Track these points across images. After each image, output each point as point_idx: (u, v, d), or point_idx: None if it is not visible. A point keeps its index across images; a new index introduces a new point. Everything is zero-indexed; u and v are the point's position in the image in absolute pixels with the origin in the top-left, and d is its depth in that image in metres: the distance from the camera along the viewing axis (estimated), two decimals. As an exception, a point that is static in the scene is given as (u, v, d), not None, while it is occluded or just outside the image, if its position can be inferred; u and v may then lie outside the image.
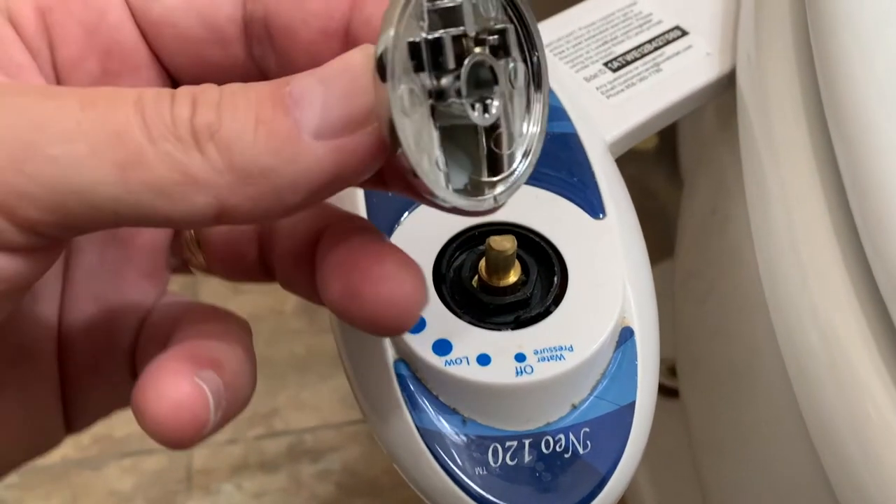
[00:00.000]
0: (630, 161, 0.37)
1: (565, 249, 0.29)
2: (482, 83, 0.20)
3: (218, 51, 0.23)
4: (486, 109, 0.20)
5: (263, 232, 0.25)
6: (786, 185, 0.34)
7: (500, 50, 0.21)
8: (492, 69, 0.20)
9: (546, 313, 0.28)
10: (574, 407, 0.28)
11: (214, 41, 0.23)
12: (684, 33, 0.40)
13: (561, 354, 0.27)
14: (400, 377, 0.27)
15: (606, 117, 0.36)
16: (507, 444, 0.27)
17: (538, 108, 0.22)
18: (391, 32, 0.18)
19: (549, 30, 0.39)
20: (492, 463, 0.27)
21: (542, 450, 0.27)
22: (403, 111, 0.19)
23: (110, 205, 0.18)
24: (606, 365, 0.28)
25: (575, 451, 0.27)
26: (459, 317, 0.28)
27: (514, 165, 0.21)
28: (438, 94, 0.20)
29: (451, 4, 0.20)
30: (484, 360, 0.27)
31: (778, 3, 0.37)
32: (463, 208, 0.20)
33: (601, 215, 0.31)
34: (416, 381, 0.27)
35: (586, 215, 0.31)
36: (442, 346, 0.27)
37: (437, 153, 0.20)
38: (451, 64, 0.20)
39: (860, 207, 0.31)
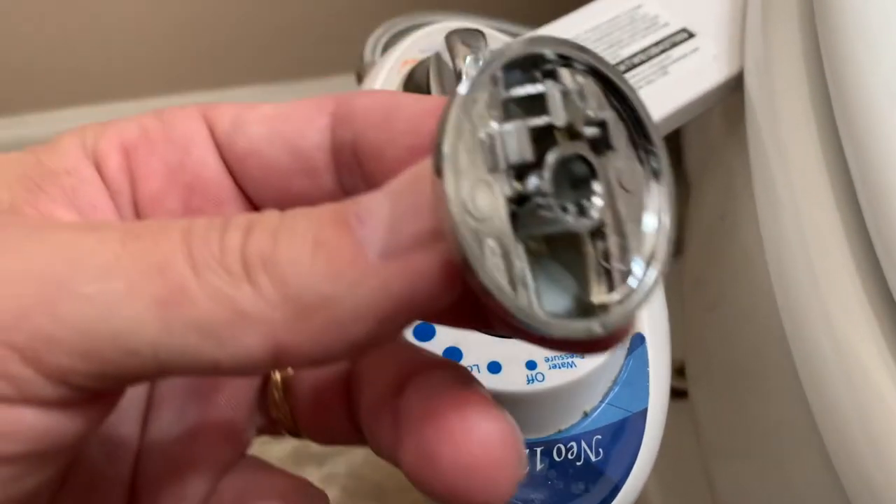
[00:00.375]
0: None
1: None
2: (579, 182, 0.17)
3: (305, 181, 0.21)
4: (582, 212, 0.17)
5: (352, 380, 0.22)
6: (796, 190, 0.34)
7: (602, 143, 0.17)
8: (589, 164, 0.17)
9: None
10: (586, 414, 0.27)
11: (301, 171, 0.21)
12: (691, 35, 0.39)
13: (572, 362, 0.27)
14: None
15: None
16: (519, 451, 0.27)
17: (661, 204, 0.18)
18: (449, 125, 0.16)
19: (555, 33, 0.39)
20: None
21: (554, 457, 0.27)
22: (469, 218, 0.16)
23: (150, 349, 0.16)
24: (618, 372, 0.28)
25: (587, 459, 0.27)
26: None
27: (633, 279, 0.17)
28: (520, 198, 0.16)
29: (533, 92, 0.17)
30: (495, 367, 0.27)
31: (786, 4, 0.37)
32: (558, 336, 0.16)
33: (610, 220, 0.30)
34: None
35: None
36: (452, 354, 0.27)
37: (521, 268, 0.16)
38: (530, 157, 0.16)
39: (871, 211, 0.30)
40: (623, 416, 0.27)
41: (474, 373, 0.26)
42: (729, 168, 0.42)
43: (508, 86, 0.17)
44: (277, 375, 0.24)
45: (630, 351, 0.28)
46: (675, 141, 0.68)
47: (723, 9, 0.40)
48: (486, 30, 0.36)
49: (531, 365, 0.27)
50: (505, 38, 0.36)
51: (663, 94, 0.37)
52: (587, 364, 0.27)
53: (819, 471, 0.34)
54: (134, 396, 0.23)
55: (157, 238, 0.17)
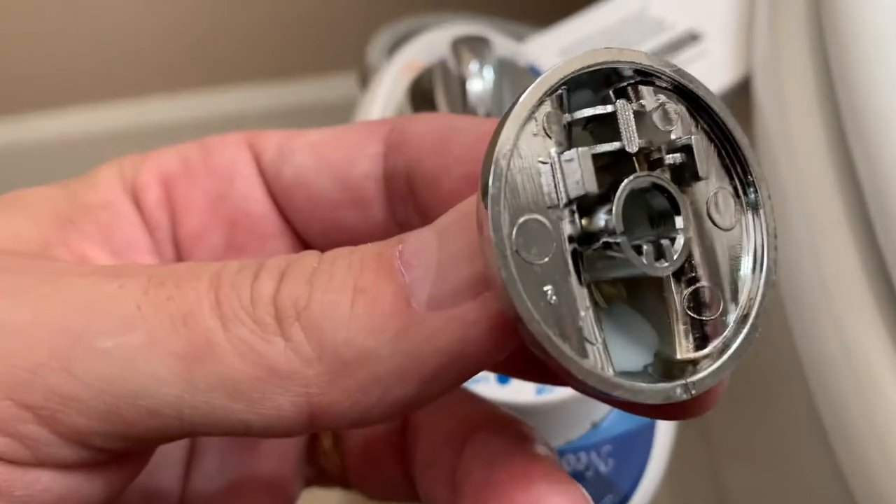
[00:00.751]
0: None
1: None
2: (658, 218, 0.15)
3: (355, 213, 0.19)
4: (661, 253, 0.14)
5: (407, 434, 0.20)
6: (804, 191, 0.34)
7: (687, 172, 0.15)
8: (670, 197, 0.15)
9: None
10: (595, 425, 0.27)
11: (351, 202, 0.19)
12: (698, 38, 0.39)
13: (581, 372, 0.27)
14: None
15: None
16: (528, 463, 0.27)
17: (759, 243, 0.15)
18: (497, 152, 0.13)
19: (562, 36, 0.39)
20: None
21: (563, 468, 0.27)
22: (518, 261, 0.13)
23: (173, 410, 0.15)
24: (627, 381, 0.28)
25: (596, 470, 0.27)
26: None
27: (726, 333, 0.15)
28: (586, 236, 0.14)
29: (602, 112, 0.14)
30: (503, 378, 0.27)
31: (793, 5, 0.37)
32: (628, 400, 0.14)
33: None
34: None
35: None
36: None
37: (587, 318, 0.14)
38: (594, 189, 0.14)
39: (879, 212, 0.30)
40: (632, 426, 0.27)
41: (483, 384, 0.26)
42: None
43: (574, 107, 0.15)
44: None
45: (639, 360, 0.28)
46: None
47: (730, 11, 0.40)
48: (491, 32, 0.35)
49: (540, 376, 0.27)
50: (509, 41, 0.36)
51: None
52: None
53: (827, 474, 0.34)
54: (175, 444, 0.21)
55: (182, 285, 0.15)
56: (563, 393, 0.26)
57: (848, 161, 0.32)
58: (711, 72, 0.38)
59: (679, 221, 0.14)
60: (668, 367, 0.14)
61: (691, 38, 0.39)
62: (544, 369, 0.16)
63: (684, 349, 0.15)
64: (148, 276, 0.15)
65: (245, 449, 0.22)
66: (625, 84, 0.15)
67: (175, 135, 0.89)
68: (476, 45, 0.31)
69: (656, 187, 0.14)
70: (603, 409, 0.27)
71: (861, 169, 0.31)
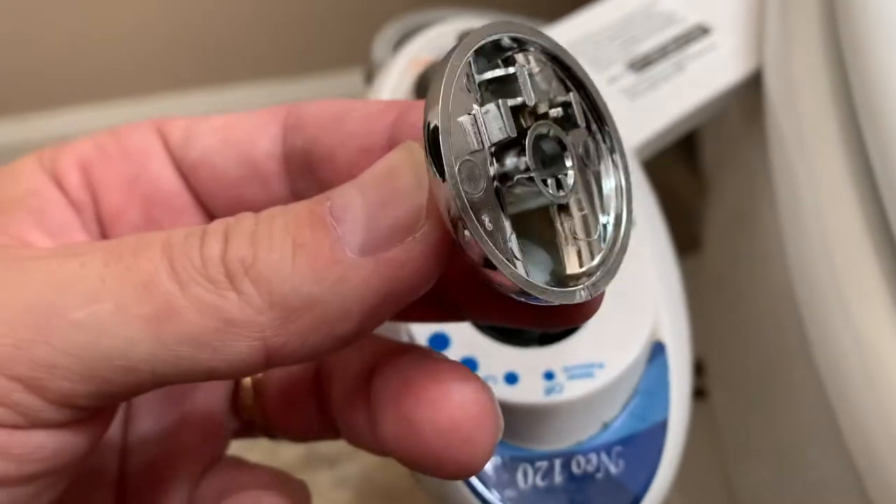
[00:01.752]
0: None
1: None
2: (550, 160, 0.18)
3: (258, 189, 0.21)
4: (560, 185, 0.18)
5: (321, 377, 0.23)
6: (817, 187, 0.33)
7: (566, 122, 0.18)
8: (560, 142, 0.18)
9: (575, 329, 0.27)
10: (605, 425, 0.27)
11: (253, 179, 0.21)
12: (709, 31, 0.39)
13: (591, 372, 0.26)
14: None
15: (630, 121, 0.35)
16: (537, 464, 0.26)
17: (620, 173, 0.19)
18: (438, 109, 0.16)
19: (570, 30, 0.38)
20: (521, 484, 0.26)
21: (572, 470, 0.26)
22: (465, 196, 0.16)
23: (146, 365, 0.17)
24: (638, 381, 0.27)
25: (607, 471, 0.26)
26: (484, 333, 0.27)
27: (601, 252, 0.18)
28: (503, 176, 0.17)
29: (503, 73, 0.17)
30: (512, 378, 0.26)
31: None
32: (553, 301, 0.17)
33: (628, 224, 0.30)
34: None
35: (613, 224, 0.30)
36: (468, 365, 0.26)
37: (512, 243, 0.17)
38: (512, 133, 0.17)
39: (894, 210, 0.30)
40: (643, 426, 0.27)
41: (491, 384, 0.26)
42: (748, 166, 0.41)
43: (479, 71, 0.17)
44: (247, 379, 0.24)
45: (650, 360, 0.27)
46: (689, 137, 0.67)
47: (740, 3, 0.40)
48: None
49: (549, 376, 0.26)
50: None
51: (680, 92, 0.36)
52: (607, 374, 0.26)
53: (840, 470, 0.33)
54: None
55: (138, 255, 0.17)
56: (572, 393, 0.26)
57: (861, 153, 0.32)
58: (722, 65, 0.38)
59: (569, 160, 0.18)
60: (562, 282, 0.17)
61: (702, 31, 0.38)
62: (453, 309, 0.20)
63: (573, 265, 0.18)
64: (104, 251, 0.17)
65: (176, 404, 0.24)
66: (511, 53, 0.18)
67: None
68: (482, 39, 0.31)
69: (549, 135, 0.18)
70: (614, 409, 0.27)
71: (875, 161, 0.31)
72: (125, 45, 0.80)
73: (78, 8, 0.77)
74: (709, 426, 0.48)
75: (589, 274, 0.18)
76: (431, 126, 0.16)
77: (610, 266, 0.18)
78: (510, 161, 0.17)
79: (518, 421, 0.26)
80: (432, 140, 0.16)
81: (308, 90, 0.82)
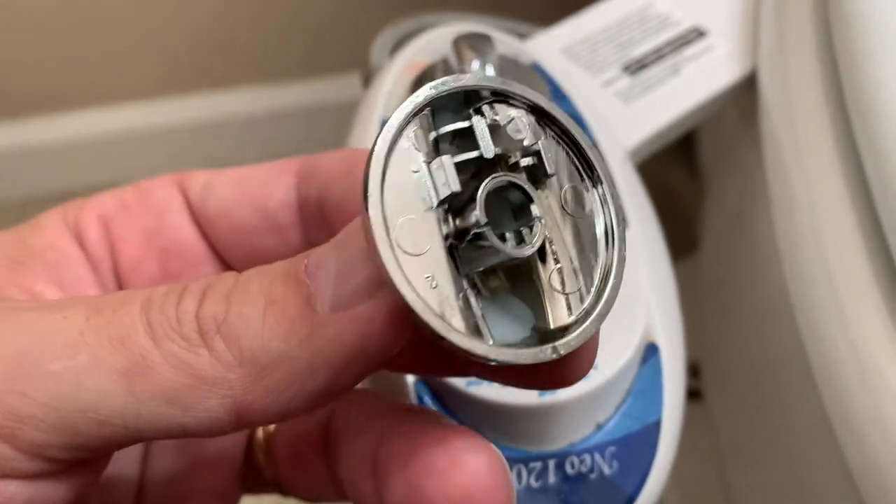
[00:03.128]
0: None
1: (586, 263, 0.28)
2: (518, 211, 0.17)
3: (273, 239, 0.22)
4: (522, 239, 0.17)
5: (329, 436, 0.22)
6: (811, 189, 0.33)
7: (540, 172, 0.17)
8: (525, 192, 0.17)
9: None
10: (599, 426, 0.27)
11: (269, 229, 0.22)
12: (704, 33, 0.39)
13: (584, 373, 0.26)
14: (421, 399, 0.26)
15: (625, 124, 0.35)
16: (531, 465, 0.26)
17: (608, 223, 0.18)
18: (372, 167, 0.16)
19: (566, 33, 0.39)
20: (515, 485, 0.26)
21: (566, 471, 0.26)
22: (403, 257, 0.16)
23: (119, 419, 0.17)
24: (631, 382, 0.27)
25: (600, 472, 0.26)
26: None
27: (588, 303, 0.17)
28: (461, 232, 0.16)
29: (460, 126, 0.17)
30: (506, 379, 0.26)
31: (799, 1, 0.37)
32: (513, 362, 0.16)
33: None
34: (437, 403, 0.26)
35: (607, 226, 0.30)
36: (462, 366, 0.26)
37: (469, 300, 0.16)
38: (455, 188, 0.16)
39: (887, 210, 0.30)
40: (637, 427, 0.27)
41: (486, 385, 0.26)
42: (744, 167, 0.41)
43: (440, 125, 0.17)
44: (260, 433, 0.24)
45: (644, 360, 0.28)
46: (688, 136, 0.67)
47: (735, 6, 0.40)
48: (493, 31, 0.35)
49: (543, 377, 0.26)
50: (511, 39, 0.36)
51: (676, 95, 0.36)
52: (601, 375, 0.26)
53: (835, 473, 0.33)
54: (132, 448, 0.23)
55: (118, 310, 0.17)
56: (566, 394, 0.26)
57: (855, 156, 0.32)
58: (717, 67, 0.38)
59: (535, 210, 0.17)
60: (544, 337, 0.17)
61: (697, 33, 0.39)
62: (442, 362, 0.20)
63: (555, 319, 0.17)
64: (87, 306, 0.17)
65: (192, 449, 0.24)
66: (482, 104, 0.17)
67: (181, 137, 0.89)
68: (477, 43, 0.31)
69: (513, 185, 0.17)
70: (608, 410, 0.27)
71: (868, 164, 0.31)
72: (122, 49, 0.80)
73: (80, 14, 0.77)
74: (705, 428, 0.48)
75: (565, 329, 0.17)
76: (363, 190, 0.16)
77: (589, 323, 0.17)
78: (466, 218, 0.16)
79: (512, 422, 0.26)
80: (364, 204, 0.16)
81: (306, 94, 0.83)
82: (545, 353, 0.16)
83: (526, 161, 0.17)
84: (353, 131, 0.35)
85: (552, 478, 0.26)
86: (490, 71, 0.30)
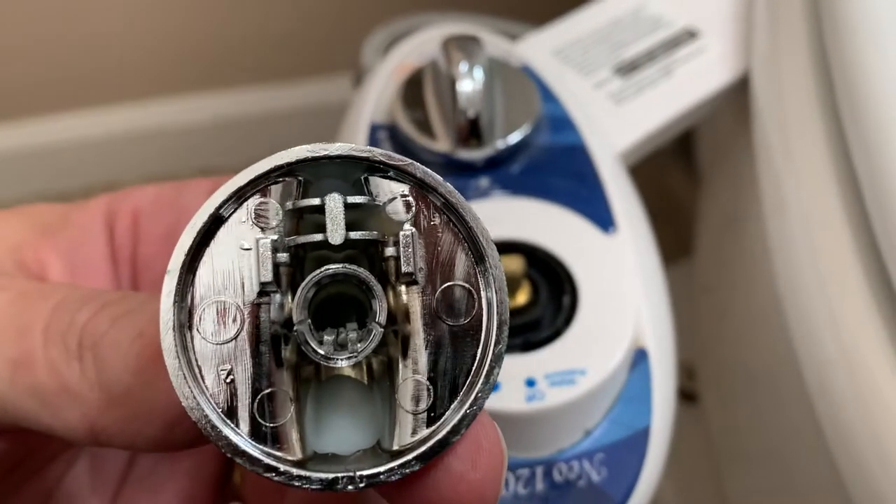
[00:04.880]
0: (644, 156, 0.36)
1: (575, 267, 0.28)
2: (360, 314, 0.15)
3: None
4: (342, 346, 0.15)
5: None
6: (803, 193, 0.33)
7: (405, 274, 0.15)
8: (365, 286, 0.15)
9: (556, 335, 0.27)
10: (587, 433, 0.27)
11: None
12: (696, 35, 0.38)
13: (573, 379, 0.26)
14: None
15: (616, 126, 0.34)
16: (519, 472, 0.26)
17: (488, 346, 0.15)
18: (182, 239, 0.14)
19: (558, 34, 0.38)
20: (503, 492, 0.26)
21: (554, 478, 0.26)
22: (197, 344, 0.14)
23: (4, 402, 0.17)
24: (620, 388, 0.27)
25: (589, 479, 0.26)
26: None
27: (422, 433, 0.15)
28: (286, 323, 0.15)
29: (313, 204, 0.15)
30: (494, 385, 0.26)
31: (792, 4, 0.36)
32: (285, 482, 0.14)
33: (611, 229, 0.30)
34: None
35: (596, 230, 0.30)
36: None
37: (276, 399, 0.14)
38: (267, 278, 0.14)
39: (879, 214, 0.30)
40: (626, 433, 0.27)
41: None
42: (737, 170, 0.41)
43: (315, 193, 0.15)
44: None
45: (633, 366, 0.27)
46: (686, 136, 0.67)
47: (728, 8, 0.39)
48: (484, 32, 0.35)
49: (531, 383, 0.26)
50: (501, 41, 0.35)
51: (668, 97, 0.36)
52: (589, 381, 0.26)
53: (826, 477, 0.33)
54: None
55: (37, 302, 0.17)
56: (553, 400, 0.26)
57: (846, 159, 0.32)
58: (710, 69, 0.38)
59: (378, 309, 0.14)
60: (379, 456, 0.15)
61: (689, 34, 0.38)
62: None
63: (395, 439, 0.15)
64: (21, 293, 0.18)
65: (170, 464, 0.24)
66: (374, 175, 0.15)
67: (173, 139, 0.89)
68: (466, 45, 0.31)
69: (355, 279, 0.14)
70: (596, 417, 0.27)
71: (860, 167, 0.31)
72: (115, 51, 0.80)
73: (71, 17, 0.77)
74: (701, 430, 0.48)
75: (400, 454, 0.14)
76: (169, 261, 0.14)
77: (409, 458, 0.14)
78: (281, 311, 0.15)
79: (499, 428, 0.26)
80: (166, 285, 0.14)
81: (298, 95, 0.82)
82: (340, 482, 0.14)
83: (390, 251, 0.15)
84: (342, 134, 0.34)
85: (540, 485, 0.26)
86: (479, 75, 0.30)
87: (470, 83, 0.30)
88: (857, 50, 0.31)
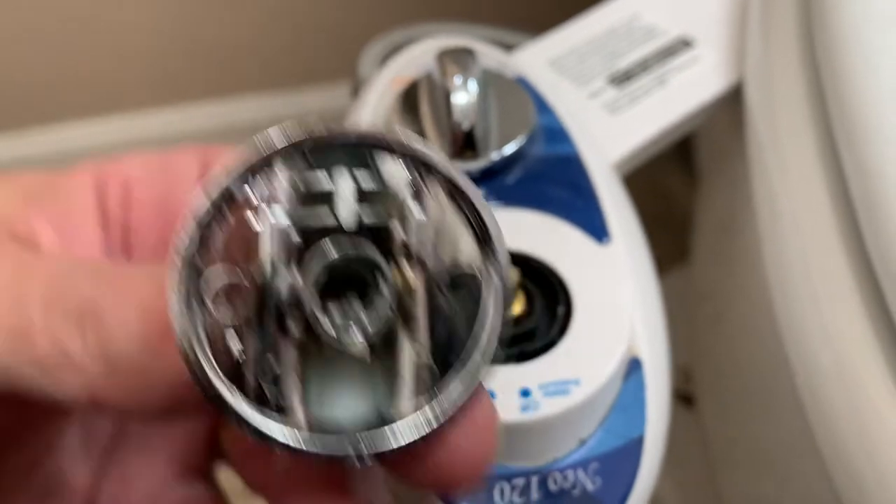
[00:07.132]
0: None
1: (569, 277, 0.28)
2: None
3: None
4: (349, 327, 0.15)
5: None
6: (795, 202, 0.33)
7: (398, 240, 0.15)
8: (373, 264, 0.15)
9: (551, 345, 0.27)
10: (582, 442, 0.27)
11: None
12: (690, 44, 0.39)
13: (567, 388, 0.26)
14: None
15: (610, 136, 0.35)
16: (514, 481, 0.26)
17: (493, 327, 0.15)
18: (192, 209, 0.15)
19: (552, 45, 0.39)
20: (498, 501, 0.26)
21: (549, 487, 0.26)
22: (198, 308, 0.15)
23: (2, 370, 0.18)
24: (614, 398, 0.27)
25: (583, 488, 0.26)
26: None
27: (434, 403, 0.15)
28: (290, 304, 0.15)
29: (326, 189, 0.15)
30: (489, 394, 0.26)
31: (785, 12, 0.37)
32: (293, 447, 0.15)
33: (606, 240, 0.30)
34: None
35: (591, 240, 0.30)
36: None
37: (282, 368, 0.15)
38: (274, 254, 0.15)
39: (870, 223, 0.30)
40: (620, 442, 0.27)
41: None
42: (733, 177, 0.41)
43: (331, 167, 0.15)
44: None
45: (627, 376, 0.28)
46: (686, 141, 0.67)
47: (722, 17, 0.40)
48: (480, 43, 0.35)
49: (525, 393, 0.26)
50: (496, 52, 0.36)
51: (662, 106, 0.37)
52: (583, 391, 0.26)
53: (819, 486, 0.33)
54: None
55: (36, 272, 0.18)
56: (548, 410, 0.26)
57: (839, 169, 0.32)
58: (704, 78, 0.38)
59: (384, 291, 0.15)
60: (380, 427, 0.15)
61: (683, 44, 0.39)
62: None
63: (400, 408, 0.15)
64: (20, 262, 0.18)
65: (163, 427, 0.24)
66: (377, 156, 0.15)
67: (172, 147, 0.89)
68: (460, 58, 0.31)
69: (362, 259, 0.15)
70: (590, 426, 0.27)
71: (851, 176, 0.31)
72: (116, 60, 0.80)
73: (69, 22, 0.77)
74: (698, 433, 0.48)
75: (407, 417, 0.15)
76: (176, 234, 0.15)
77: (413, 426, 0.15)
78: (287, 285, 0.15)
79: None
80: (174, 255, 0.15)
81: (297, 103, 0.83)
82: (346, 448, 0.15)
83: (398, 231, 0.15)
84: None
85: (535, 494, 0.26)
86: (473, 88, 0.31)
87: (464, 96, 0.30)
88: (847, 60, 0.32)
